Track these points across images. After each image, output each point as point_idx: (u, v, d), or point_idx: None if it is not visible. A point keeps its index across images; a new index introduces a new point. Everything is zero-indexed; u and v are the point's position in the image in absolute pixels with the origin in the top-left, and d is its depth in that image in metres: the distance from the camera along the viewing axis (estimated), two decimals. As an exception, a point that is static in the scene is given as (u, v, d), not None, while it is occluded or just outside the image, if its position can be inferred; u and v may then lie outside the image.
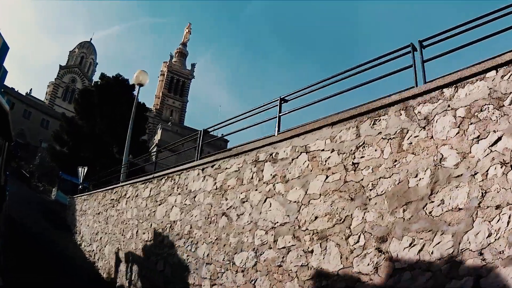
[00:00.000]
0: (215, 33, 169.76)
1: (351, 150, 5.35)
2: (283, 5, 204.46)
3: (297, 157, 6.22)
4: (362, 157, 5.17)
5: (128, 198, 12.91)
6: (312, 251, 5.31)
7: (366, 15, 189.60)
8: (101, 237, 15.05)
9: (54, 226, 21.17)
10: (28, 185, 41.31)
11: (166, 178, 10.43)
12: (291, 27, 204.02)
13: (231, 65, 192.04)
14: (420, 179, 4.35)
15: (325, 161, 5.68)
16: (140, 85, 18.94)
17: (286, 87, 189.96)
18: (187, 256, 8.08)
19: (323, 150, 5.79)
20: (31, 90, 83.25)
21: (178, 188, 9.57)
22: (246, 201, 6.94)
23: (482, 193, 3.77)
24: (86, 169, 24.71)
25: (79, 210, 20.93)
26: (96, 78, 55.16)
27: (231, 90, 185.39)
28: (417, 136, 4.61)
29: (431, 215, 4.13)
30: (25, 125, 63.24)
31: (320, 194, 5.53)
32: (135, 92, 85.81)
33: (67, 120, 41.95)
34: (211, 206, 7.85)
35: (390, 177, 4.69)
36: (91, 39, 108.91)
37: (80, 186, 24.41)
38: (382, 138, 5.04)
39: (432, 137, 4.46)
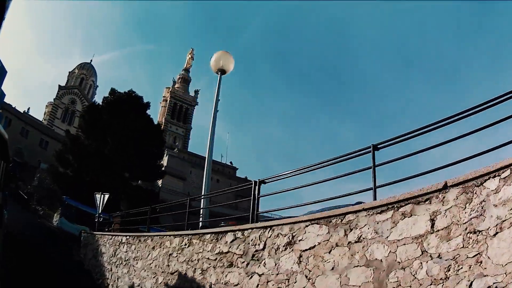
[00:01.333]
0: (208, 61, 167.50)
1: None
2: (277, 33, 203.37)
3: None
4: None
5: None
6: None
7: (359, 39, 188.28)
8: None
9: (67, 267, 17.79)
10: (26, 207, 37.83)
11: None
12: (286, 55, 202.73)
13: (228, 94, 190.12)
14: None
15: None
16: (222, 72, 13.43)
17: (283, 118, 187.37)
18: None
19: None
20: (28, 109, 79.89)
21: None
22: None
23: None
24: (107, 197, 20.72)
25: (112, 255, 15.25)
26: (99, 99, 52.73)
27: (228, 118, 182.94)
28: None
29: None
30: (23, 144, 59.96)
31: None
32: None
33: (72, 139, 38.75)
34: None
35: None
36: (91, 60, 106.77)
37: (99, 218, 20.46)
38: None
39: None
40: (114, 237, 15.82)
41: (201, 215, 11.49)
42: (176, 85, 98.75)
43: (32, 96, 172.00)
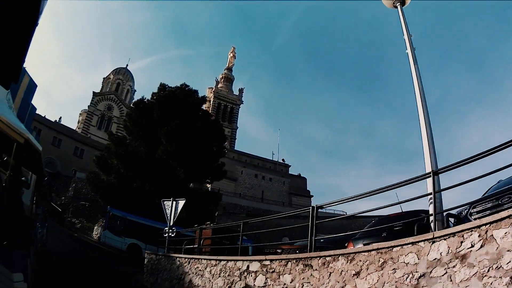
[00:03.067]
0: (245, 64, 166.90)
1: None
2: (313, 31, 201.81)
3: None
4: None
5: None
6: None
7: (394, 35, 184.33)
8: None
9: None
10: (61, 221, 34.18)
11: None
12: (323, 52, 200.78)
13: (265, 95, 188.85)
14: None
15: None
16: (402, 3, 8.75)
17: (323, 118, 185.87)
18: None
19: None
20: (60, 118, 77.47)
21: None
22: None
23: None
24: (181, 204, 15.40)
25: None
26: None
27: (266, 119, 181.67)
28: None
29: None
30: (55, 154, 57.18)
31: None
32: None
33: (116, 141, 34.78)
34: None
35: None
36: (127, 65, 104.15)
37: (169, 233, 15.15)
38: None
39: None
40: (229, 262, 10.00)
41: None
42: (219, 85, 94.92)
43: (63, 107, 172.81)
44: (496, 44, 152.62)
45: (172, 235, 15.00)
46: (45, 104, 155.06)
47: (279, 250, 12.36)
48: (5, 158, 6.94)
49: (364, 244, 8.23)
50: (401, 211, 9.11)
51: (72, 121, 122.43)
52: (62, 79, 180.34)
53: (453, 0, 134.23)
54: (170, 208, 15.19)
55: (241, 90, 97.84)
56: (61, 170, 55.72)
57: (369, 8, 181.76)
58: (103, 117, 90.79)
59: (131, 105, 36.04)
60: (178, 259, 12.85)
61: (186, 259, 12.15)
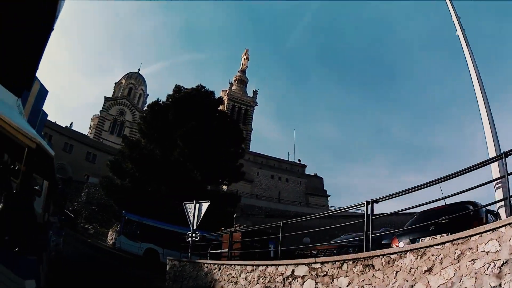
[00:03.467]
0: (258, 65, 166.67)
1: None
2: (325, 30, 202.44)
3: None
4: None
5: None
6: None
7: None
8: None
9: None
10: (73, 227, 33.57)
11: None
12: (334, 50, 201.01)
13: (277, 96, 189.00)
14: None
15: None
16: None
17: (335, 117, 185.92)
18: None
19: None
20: (71, 124, 77.33)
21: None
22: None
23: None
24: (205, 206, 14.47)
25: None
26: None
27: (278, 120, 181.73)
28: None
29: None
30: (66, 159, 56.81)
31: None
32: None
33: (130, 145, 34.21)
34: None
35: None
36: (138, 70, 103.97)
37: (193, 237, 14.23)
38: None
39: None
40: (269, 267, 9.01)
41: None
42: (233, 87, 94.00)
43: (73, 114, 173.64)
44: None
45: (196, 239, 14.21)
46: (55, 111, 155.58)
47: (314, 251, 11.36)
48: (17, 167, 7.21)
49: (411, 240, 7.93)
50: (444, 204, 8.46)
51: (83, 127, 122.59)
52: (71, 85, 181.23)
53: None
54: (193, 211, 14.39)
55: (255, 92, 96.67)
56: (73, 176, 55.24)
57: (380, 5, 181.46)
58: (115, 121, 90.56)
59: (146, 108, 35.50)
60: (206, 265, 11.92)
61: (216, 265, 11.21)
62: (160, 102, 34.75)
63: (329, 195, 76.83)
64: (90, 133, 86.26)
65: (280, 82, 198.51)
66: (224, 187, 41.55)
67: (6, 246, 5.94)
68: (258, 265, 9.31)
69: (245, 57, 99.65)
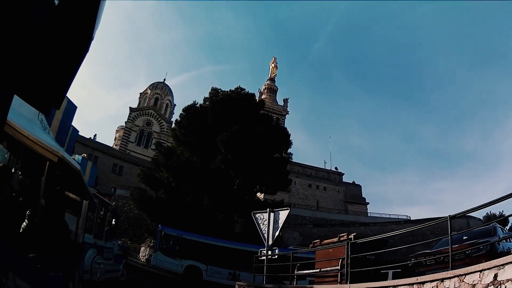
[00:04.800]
0: (284, 75, 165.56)
1: None
2: (349, 38, 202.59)
3: None
4: None
5: None
6: None
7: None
8: None
9: None
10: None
11: None
12: (359, 59, 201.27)
13: (305, 106, 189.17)
14: None
15: None
16: None
17: (362, 126, 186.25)
18: None
19: None
20: (95, 135, 76.50)
21: None
22: None
23: None
24: (285, 215, 11.73)
25: None
26: (175, 119, 47.27)
27: (307, 131, 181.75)
28: None
29: None
30: (91, 172, 55.27)
31: None
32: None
33: (166, 152, 32.23)
34: None
35: None
36: (164, 79, 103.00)
37: (271, 255, 11.56)
38: None
39: None
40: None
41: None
42: (263, 96, 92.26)
43: (94, 127, 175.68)
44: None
45: (274, 257, 11.67)
46: (77, 124, 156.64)
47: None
48: (58, 188, 7.63)
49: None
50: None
51: (107, 140, 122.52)
52: (93, 99, 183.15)
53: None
54: (266, 222, 11.90)
55: (285, 100, 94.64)
56: (99, 189, 53.78)
57: (401, 11, 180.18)
58: (142, 132, 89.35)
59: (181, 112, 33.52)
60: None
61: None
62: (197, 105, 32.77)
63: (368, 203, 76.67)
64: (116, 145, 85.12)
65: (308, 92, 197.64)
66: (261, 196, 39.05)
67: (31, 262, 6.01)
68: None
69: (273, 65, 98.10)
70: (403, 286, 7.36)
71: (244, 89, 32.85)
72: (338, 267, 9.76)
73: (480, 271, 6.24)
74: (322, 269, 10.53)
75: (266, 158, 30.02)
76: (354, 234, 10.11)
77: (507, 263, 5.88)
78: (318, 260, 11.17)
